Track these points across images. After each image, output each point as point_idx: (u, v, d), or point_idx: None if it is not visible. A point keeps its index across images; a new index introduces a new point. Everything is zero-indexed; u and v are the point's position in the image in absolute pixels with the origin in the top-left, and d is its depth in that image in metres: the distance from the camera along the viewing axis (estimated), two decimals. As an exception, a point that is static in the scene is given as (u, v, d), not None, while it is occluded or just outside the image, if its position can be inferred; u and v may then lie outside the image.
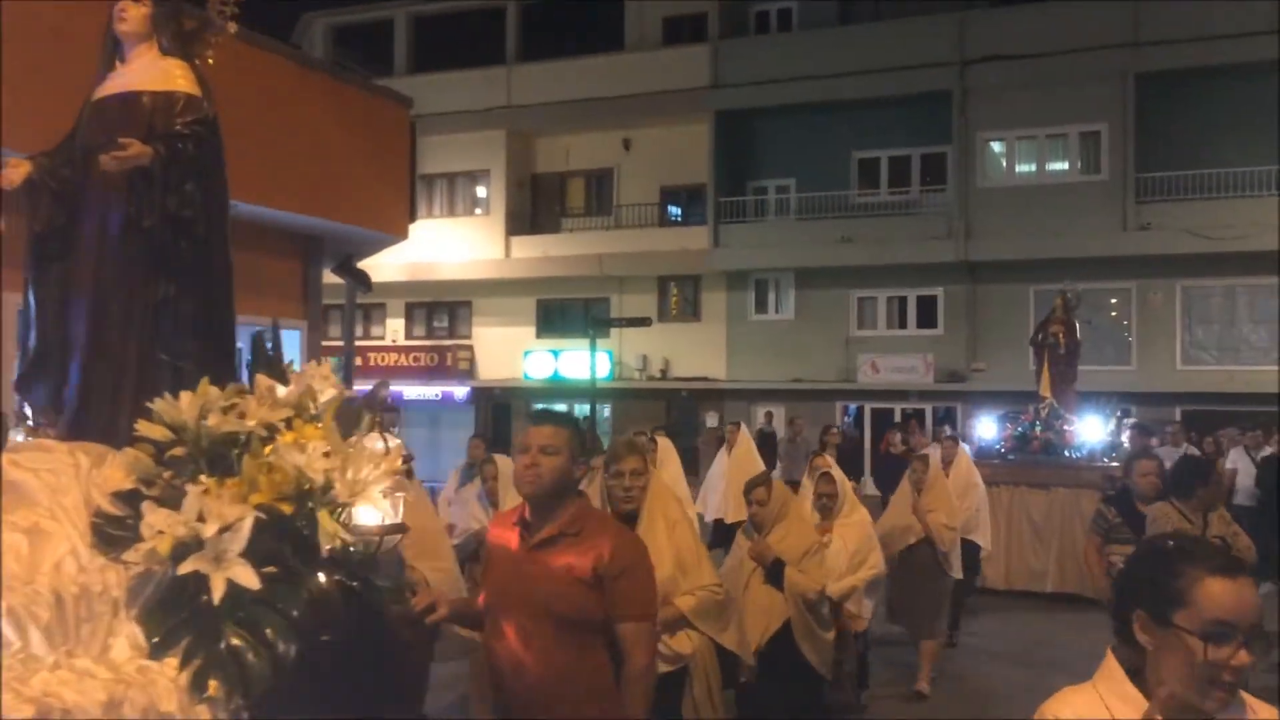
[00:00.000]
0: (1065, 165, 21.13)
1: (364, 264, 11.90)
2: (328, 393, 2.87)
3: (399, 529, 2.95)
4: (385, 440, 2.97)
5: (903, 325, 22.29)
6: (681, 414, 23.28)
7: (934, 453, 10.19)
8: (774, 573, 4.99)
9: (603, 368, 20.89)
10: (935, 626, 7.73)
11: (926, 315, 22.05)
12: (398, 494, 2.87)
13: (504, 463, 6.50)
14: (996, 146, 21.63)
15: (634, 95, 23.14)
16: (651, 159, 24.32)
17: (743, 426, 10.58)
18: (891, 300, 22.41)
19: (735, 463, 9.89)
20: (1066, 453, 12.11)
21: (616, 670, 3.13)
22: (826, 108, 22.23)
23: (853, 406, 22.50)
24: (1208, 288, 20.28)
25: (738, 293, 23.41)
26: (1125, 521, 6.09)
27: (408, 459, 4.99)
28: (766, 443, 15.61)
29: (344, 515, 2.61)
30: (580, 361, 22.74)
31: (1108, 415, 13.20)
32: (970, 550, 8.90)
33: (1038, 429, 12.43)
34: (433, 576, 4.69)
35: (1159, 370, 20.08)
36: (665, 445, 9.32)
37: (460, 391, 25.34)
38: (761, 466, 9.78)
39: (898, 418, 20.07)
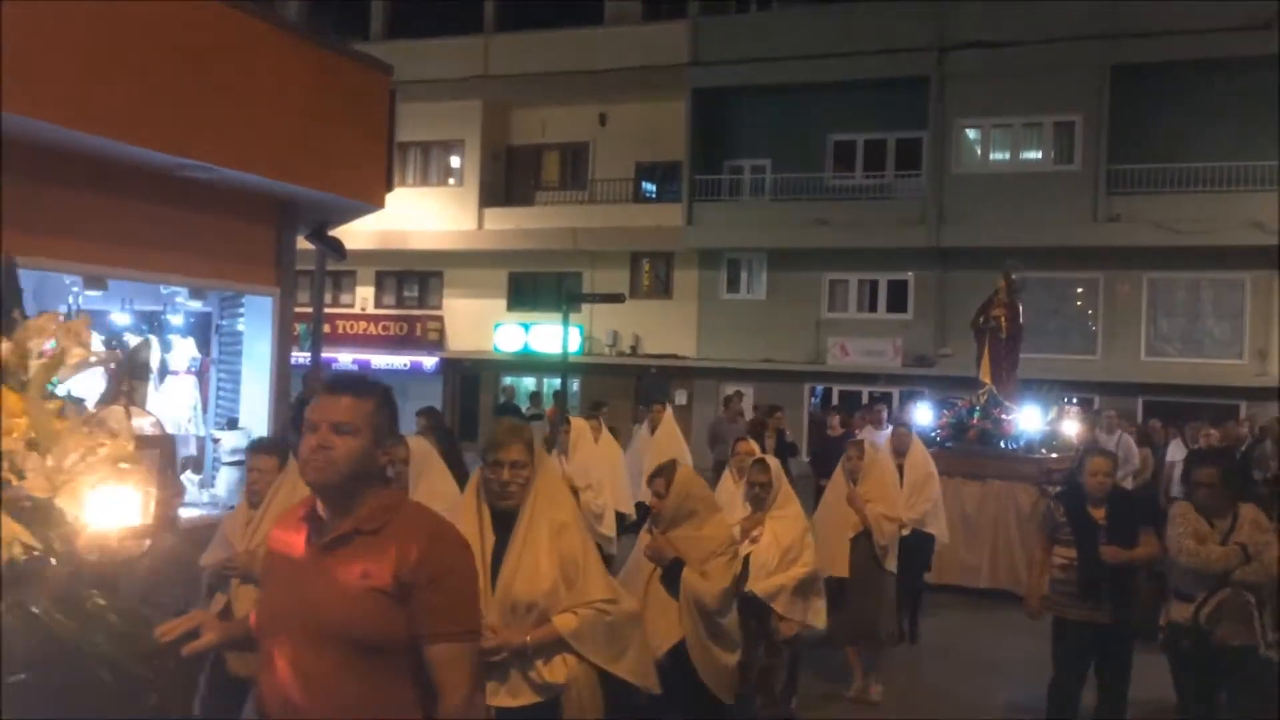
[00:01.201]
0: (1039, 154, 21.25)
1: (335, 231, 11.80)
2: (74, 353, 2.19)
3: (142, 534, 2.40)
4: (129, 416, 2.34)
5: (873, 309, 22.42)
6: (650, 391, 23.31)
7: (878, 439, 9.65)
8: (672, 575, 4.33)
9: (573, 342, 20.87)
10: (879, 627, 7.19)
11: (897, 300, 22.19)
12: (140, 486, 2.22)
13: (416, 445, 5.86)
14: (972, 133, 21.72)
15: (611, 70, 23.01)
16: (627, 134, 24.23)
17: (668, 407, 9.85)
18: (863, 284, 22.52)
19: (657, 444, 9.18)
20: (1003, 443, 11.51)
21: (427, 706, 2.50)
22: (804, 89, 22.22)
23: (820, 388, 22.64)
24: (1173, 280, 20.53)
25: (710, 271, 23.42)
26: (1070, 523, 5.63)
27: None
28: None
29: (69, 516, 2.02)
30: (550, 335, 22.71)
31: (1049, 404, 12.60)
32: (925, 542, 8.59)
33: (976, 416, 11.77)
34: None
35: (1123, 361, 20.34)
36: (579, 427, 8.58)
37: (429, 362, 25.24)
38: (684, 450, 9.24)
39: (865, 400, 20.19)
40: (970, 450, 11.38)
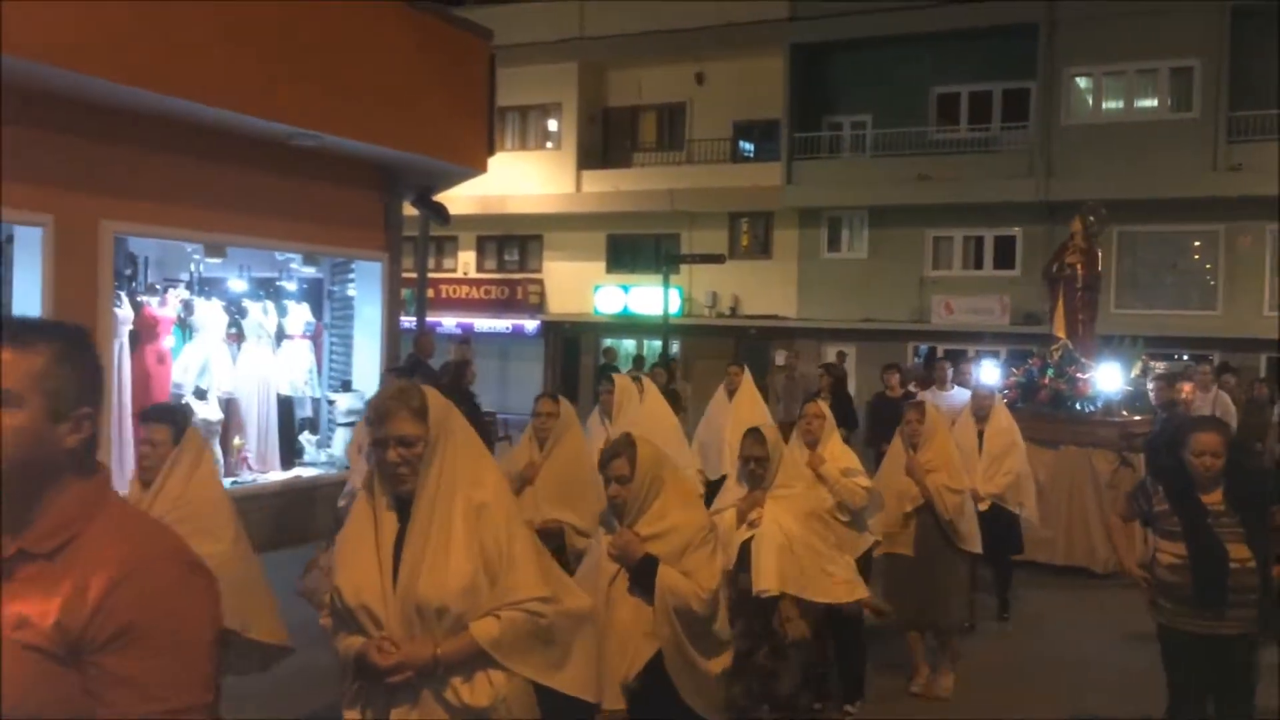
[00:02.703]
0: (1154, 102, 20.42)
1: (437, 196, 11.98)
2: None
3: None
4: None
5: (979, 266, 21.89)
6: (750, 351, 23.22)
7: (941, 401, 9.00)
8: (644, 575, 3.52)
9: (672, 304, 20.88)
10: (946, 613, 6.38)
11: (1004, 256, 21.62)
12: None
13: (566, 409, 5.58)
14: (1083, 82, 20.95)
15: (708, 27, 22.76)
16: (725, 93, 23.99)
17: (745, 369, 9.06)
18: (968, 240, 21.99)
19: (737, 409, 8.37)
20: (1078, 404, 10.42)
21: None
22: (906, 40, 21.68)
23: (924, 347, 22.27)
24: (1300, 232, 19.59)
25: (810, 230, 23.14)
26: (1178, 513, 4.53)
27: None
28: (838, 383, 15.13)
29: None
30: (649, 297, 22.75)
31: (1130, 361, 11.48)
32: (1009, 519, 7.69)
33: (1048, 375, 10.68)
34: None
35: (1246, 316, 19.51)
36: (624, 387, 7.30)
37: (530, 325, 25.52)
38: (766, 414, 8.56)
39: (970, 357, 19.80)
40: (1041, 413, 10.36)
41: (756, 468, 4.78)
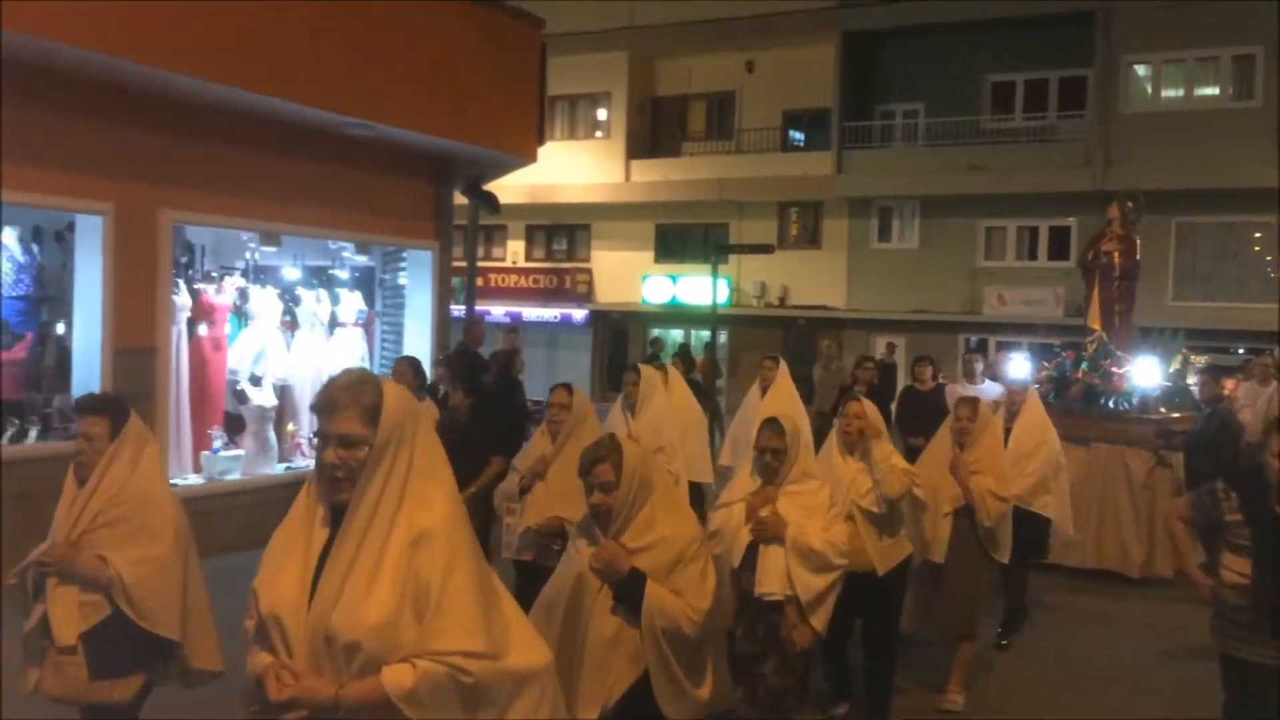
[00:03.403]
0: (1215, 90, 20.00)
1: (487, 186, 12.04)
2: None
3: None
4: None
5: (1033, 257, 21.61)
6: (799, 343, 23.10)
7: (989, 396, 8.47)
8: (630, 592, 3.20)
9: (721, 294, 20.82)
10: (972, 624, 6.00)
11: (1059, 246, 21.29)
12: None
13: (579, 399, 5.34)
14: (1141, 70, 20.56)
15: (758, 16, 22.63)
16: (775, 82, 23.86)
17: (780, 361, 8.48)
18: (1021, 230, 21.71)
19: (770, 406, 7.55)
20: (1112, 401, 9.87)
21: None
22: (959, 28, 21.40)
23: (974, 339, 22.03)
24: (1366, 223, 19.10)
25: (860, 220, 22.96)
26: (1249, 525, 4.08)
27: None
28: (888, 375, 14.89)
29: None
30: (697, 287, 22.71)
31: (1169, 355, 10.92)
32: (1037, 524, 7.09)
33: (1083, 369, 10.14)
34: (130, 572, 3.50)
35: (1308, 309, 19.09)
36: (649, 378, 6.92)
37: (579, 314, 25.59)
38: (802, 411, 7.94)
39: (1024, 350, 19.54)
40: (1073, 409, 9.84)
41: (772, 460, 4.46)
